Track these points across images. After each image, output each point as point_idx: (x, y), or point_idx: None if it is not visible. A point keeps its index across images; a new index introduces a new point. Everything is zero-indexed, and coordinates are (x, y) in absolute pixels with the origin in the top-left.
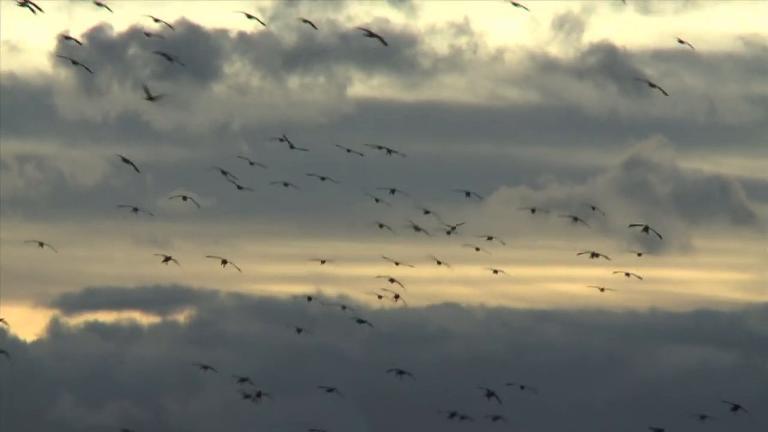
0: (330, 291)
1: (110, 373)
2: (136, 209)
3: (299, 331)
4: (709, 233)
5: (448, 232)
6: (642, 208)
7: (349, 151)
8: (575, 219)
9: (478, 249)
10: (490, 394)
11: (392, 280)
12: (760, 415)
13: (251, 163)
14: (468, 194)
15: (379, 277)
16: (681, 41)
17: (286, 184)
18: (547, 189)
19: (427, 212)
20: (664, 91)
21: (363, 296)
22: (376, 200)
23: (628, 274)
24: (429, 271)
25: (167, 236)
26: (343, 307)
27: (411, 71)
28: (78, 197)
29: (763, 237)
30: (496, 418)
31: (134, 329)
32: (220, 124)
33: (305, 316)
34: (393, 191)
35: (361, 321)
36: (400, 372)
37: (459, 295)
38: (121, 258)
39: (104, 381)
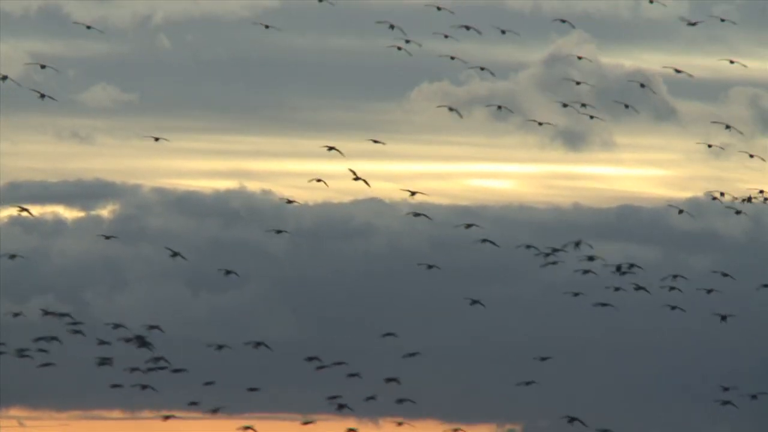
0: (253, 186)
1: (34, 267)
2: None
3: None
4: (631, 130)
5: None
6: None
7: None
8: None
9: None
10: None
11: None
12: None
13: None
14: None
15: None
16: None
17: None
18: (468, 84)
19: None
20: None
21: (287, 191)
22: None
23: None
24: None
25: (89, 131)
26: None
27: None
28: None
29: (684, 133)
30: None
31: (58, 223)
32: (141, 17)
33: (229, 211)
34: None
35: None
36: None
37: (383, 190)
38: (45, 152)
39: (28, 276)
